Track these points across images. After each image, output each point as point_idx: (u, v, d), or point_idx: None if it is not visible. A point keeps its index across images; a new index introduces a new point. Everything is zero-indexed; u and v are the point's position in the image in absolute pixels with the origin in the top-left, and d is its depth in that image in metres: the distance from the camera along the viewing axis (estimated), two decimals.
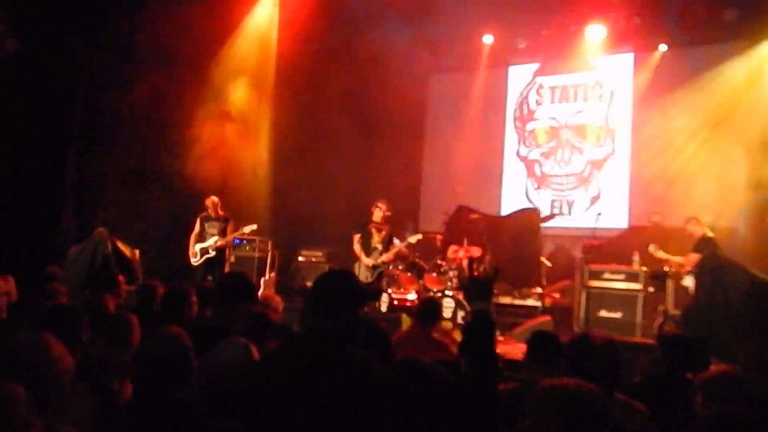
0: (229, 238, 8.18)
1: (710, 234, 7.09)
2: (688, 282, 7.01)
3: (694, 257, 6.90)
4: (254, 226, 8.34)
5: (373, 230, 7.77)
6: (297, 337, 2.34)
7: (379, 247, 7.68)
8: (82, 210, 9.29)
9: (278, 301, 4.37)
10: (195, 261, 8.00)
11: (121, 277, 5.58)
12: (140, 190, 9.26)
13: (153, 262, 8.87)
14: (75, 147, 9.01)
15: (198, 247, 7.98)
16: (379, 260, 7.64)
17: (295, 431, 2.07)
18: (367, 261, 7.63)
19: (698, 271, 6.67)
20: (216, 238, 7.99)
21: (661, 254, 7.26)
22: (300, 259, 9.72)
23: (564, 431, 1.87)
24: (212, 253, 8.01)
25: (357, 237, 7.76)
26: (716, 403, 2.33)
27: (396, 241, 7.75)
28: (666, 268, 7.33)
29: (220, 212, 8.12)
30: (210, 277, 7.88)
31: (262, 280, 9.08)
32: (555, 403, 1.91)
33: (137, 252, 8.66)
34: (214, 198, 8.16)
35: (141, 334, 3.36)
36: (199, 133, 9.73)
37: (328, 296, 2.29)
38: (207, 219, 8.08)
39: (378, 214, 7.79)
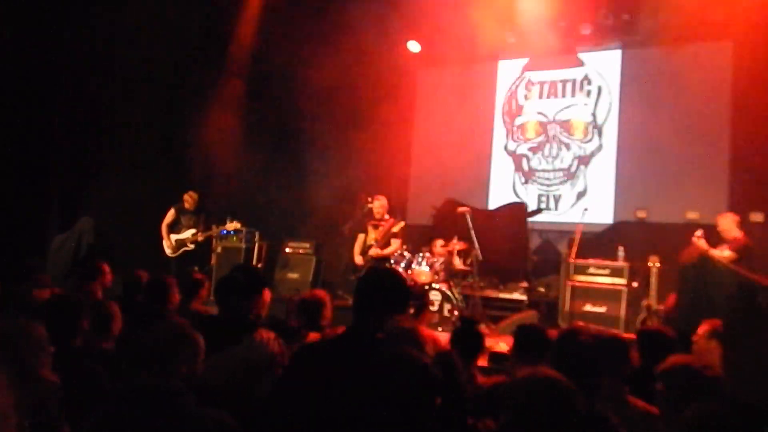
0: (211, 232, 8.24)
1: (741, 235, 6.82)
2: None
3: (731, 256, 6.64)
4: (237, 224, 8.36)
5: (370, 228, 7.78)
6: (341, 334, 2.30)
7: (374, 244, 7.69)
8: (66, 199, 9.22)
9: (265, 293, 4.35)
10: (171, 253, 8.06)
11: (105, 267, 5.54)
12: (126, 180, 9.20)
13: (137, 252, 8.82)
14: (59, 136, 8.92)
15: (174, 238, 8.02)
16: (370, 253, 7.64)
17: (336, 424, 2.02)
18: (358, 259, 7.66)
19: (681, 268, 6.71)
20: (193, 230, 8.06)
21: (702, 243, 6.83)
22: (287, 250, 9.69)
23: (533, 425, 1.90)
24: (190, 246, 8.06)
25: (360, 237, 7.79)
26: (675, 393, 2.36)
27: (394, 241, 7.68)
28: (650, 264, 7.38)
29: (196, 206, 8.20)
30: (188, 269, 7.89)
31: None
32: (525, 396, 1.94)
33: (123, 241, 8.61)
34: (194, 193, 8.24)
35: (126, 323, 3.35)
36: (185, 122, 9.67)
37: (381, 295, 2.25)
38: (182, 211, 8.15)
39: (376, 209, 7.80)
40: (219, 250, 9.03)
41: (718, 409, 1.82)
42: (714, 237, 6.96)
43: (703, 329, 4.03)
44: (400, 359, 2.06)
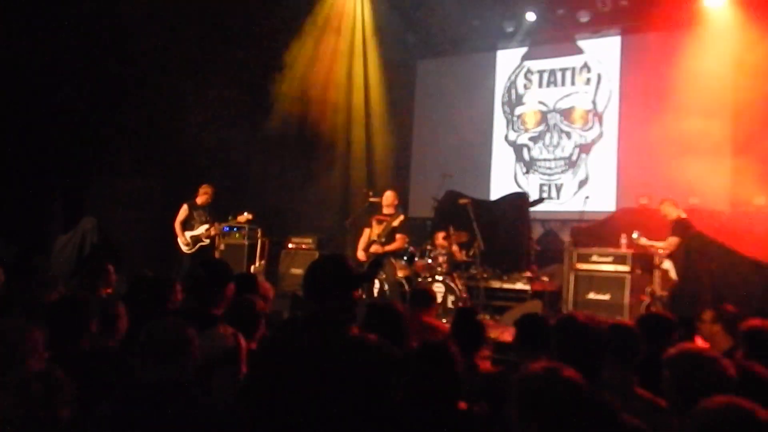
0: (221, 226, 8.19)
1: (684, 215, 7.14)
2: (667, 265, 7.11)
3: (673, 240, 6.97)
4: (249, 216, 8.34)
5: (375, 222, 7.76)
6: (294, 322, 2.38)
7: (377, 239, 7.68)
8: (69, 199, 9.25)
9: (268, 288, 4.36)
10: (188, 249, 7.99)
11: (110, 266, 5.55)
12: (129, 178, 9.22)
13: (141, 251, 8.85)
14: (62, 135, 8.93)
15: (189, 235, 7.97)
16: (371, 249, 7.63)
17: (295, 414, 2.10)
18: (360, 254, 7.64)
19: (683, 252, 6.74)
20: (206, 226, 7.99)
21: (643, 241, 7.31)
22: (290, 246, 9.71)
23: (537, 417, 1.92)
24: (206, 242, 8.01)
25: (366, 231, 7.78)
26: (683, 379, 2.34)
27: (399, 237, 7.67)
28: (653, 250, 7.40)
29: (210, 200, 8.13)
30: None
31: (252, 267, 9.08)
32: (526, 396, 1.96)
33: (126, 241, 8.64)
34: (208, 187, 8.12)
35: (131, 322, 3.37)
36: (187, 120, 9.67)
37: (322, 280, 2.36)
38: (195, 207, 8.06)
39: (384, 202, 7.80)
40: (222, 247, 9.03)
41: (733, 403, 1.79)
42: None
43: (708, 314, 4.04)
44: (353, 343, 2.12)
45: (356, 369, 2.11)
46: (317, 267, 2.44)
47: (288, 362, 2.20)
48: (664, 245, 7.12)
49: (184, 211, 8.05)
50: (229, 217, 8.48)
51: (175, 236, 8.03)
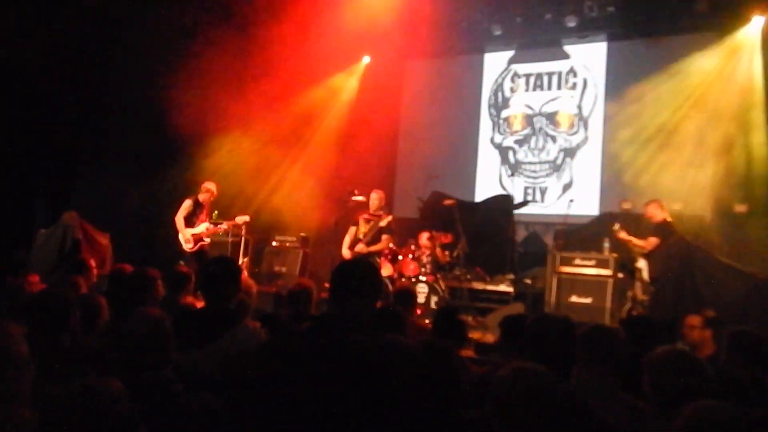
0: (222, 227, 8.08)
1: (669, 218, 7.21)
2: (641, 264, 7.19)
3: (653, 241, 7.06)
4: (246, 218, 8.26)
5: (362, 221, 7.74)
6: (314, 322, 2.34)
7: (362, 238, 7.67)
8: (52, 194, 9.15)
9: (251, 284, 4.36)
10: (190, 248, 7.85)
11: (92, 261, 5.50)
12: (111, 174, 9.14)
13: (123, 247, 8.77)
14: (46, 129, 8.83)
15: (189, 232, 7.84)
16: (356, 249, 7.62)
17: (307, 413, 2.05)
18: (346, 253, 7.61)
19: (666, 256, 6.79)
20: (207, 224, 7.86)
21: (623, 235, 7.35)
22: (273, 244, 9.67)
23: (513, 417, 1.93)
24: (207, 241, 7.88)
25: (351, 229, 7.77)
26: (664, 382, 2.36)
27: (384, 237, 7.66)
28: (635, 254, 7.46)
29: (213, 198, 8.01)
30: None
31: None
32: (497, 396, 1.97)
33: (107, 236, 8.55)
34: (214, 185, 7.97)
35: (112, 317, 3.34)
36: (172, 117, 9.60)
37: (355, 284, 2.31)
38: (198, 204, 7.88)
39: (372, 202, 7.79)
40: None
41: (722, 408, 1.80)
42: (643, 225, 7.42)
43: (696, 320, 4.04)
44: (392, 345, 2.08)
45: (375, 373, 2.05)
46: (348, 269, 2.40)
47: (303, 365, 2.13)
48: (643, 243, 7.19)
49: (187, 207, 7.77)
50: (214, 213, 8.39)
51: (175, 232, 7.83)
